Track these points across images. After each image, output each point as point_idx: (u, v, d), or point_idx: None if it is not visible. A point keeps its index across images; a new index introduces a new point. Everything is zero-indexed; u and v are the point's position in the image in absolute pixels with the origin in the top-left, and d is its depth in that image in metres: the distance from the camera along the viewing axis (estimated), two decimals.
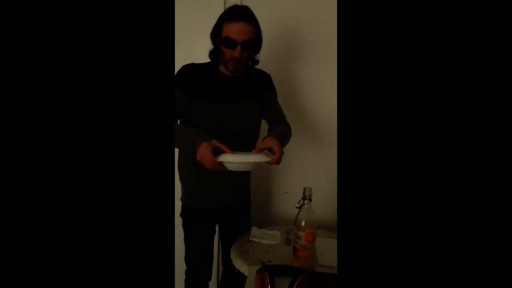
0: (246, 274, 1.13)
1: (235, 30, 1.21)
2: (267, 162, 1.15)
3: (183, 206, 1.47)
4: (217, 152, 1.14)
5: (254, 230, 1.46)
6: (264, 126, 1.45)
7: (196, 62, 1.35)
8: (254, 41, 1.27)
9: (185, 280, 1.52)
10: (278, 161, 1.16)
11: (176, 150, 1.44)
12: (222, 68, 1.33)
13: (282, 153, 1.17)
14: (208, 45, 1.33)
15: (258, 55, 1.37)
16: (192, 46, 1.71)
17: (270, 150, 1.18)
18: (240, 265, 1.22)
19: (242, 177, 1.42)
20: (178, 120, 1.36)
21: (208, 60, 1.36)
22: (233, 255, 1.30)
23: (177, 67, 1.28)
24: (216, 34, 1.27)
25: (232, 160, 1.12)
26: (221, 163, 1.12)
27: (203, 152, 1.11)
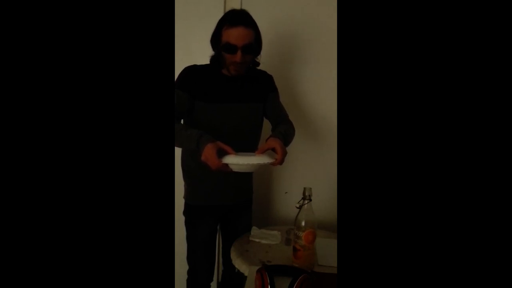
0: (246, 274, 1.13)
1: (234, 35, 1.22)
2: (271, 163, 1.16)
3: (185, 204, 1.48)
4: (221, 153, 1.15)
5: (254, 230, 1.46)
6: (267, 126, 1.46)
7: (195, 63, 1.35)
8: (254, 45, 1.28)
9: (187, 280, 1.52)
10: (281, 162, 1.18)
11: (179, 149, 1.44)
12: (224, 71, 1.34)
13: (285, 153, 1.19)
14: (208, 47, 1.33)
15: (258, 56, 1.38)
16: (192, 47, 1.71)
17: (273, 150, 1.20)
18: (240, 265, 1.23)
19: (244, 177, 1.43)
20: (182, 120, 1.38)
21: (208, 62, 1.37)
22: (233, 255, 1.30)
23: (177, 69, 1.28)
24: (216, 39, 1.29)
25: (237, 162, 1.14)
26: (225, 164, 1.14)
27: (208, 153, 1.13)
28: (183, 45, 1.66)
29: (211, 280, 1.53)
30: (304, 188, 1.12)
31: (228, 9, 1.45)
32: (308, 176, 1.79)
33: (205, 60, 1.36)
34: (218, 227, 1.56)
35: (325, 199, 1.65)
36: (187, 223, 1.47)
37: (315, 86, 1.76)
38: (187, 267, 1.51)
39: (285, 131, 1.29)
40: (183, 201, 1.48)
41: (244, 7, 1.32)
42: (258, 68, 1.43)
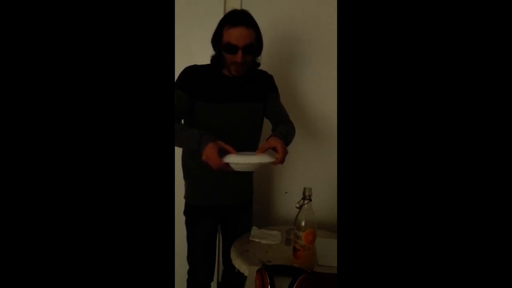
0: (246, 274, 1.13)
1: (235, 35, 1.22)
2: (272, 162, 1.17)
3: (185, 204, 1.48)
4: (222, 152, 1.15)
5: (254, 230, 1.46)
6: (267, 126, 1.46)
7: (195, 63, 1.35)
8: (255, 45, 1.28)
9: (187, 280, 1.53)
10: (282, 161, 1.19)
11: (180, 148, 1.44)
12: (224, 71, 1.34)
13: (286, 153, 1.20)
14: (208, 48, 1.33)
15: (259, 57, 1.38)
16: (192, 47, 1.71)
17: (274, 149, 1.20)
18: (240, 265, 1.23)
19: (244, 176, 1.43)
20: (182, 120, 1.38)
21: (209, 62, 1.37)
22: (233, 255, 1.30)
23: (177, 69, 1.28)
24: (217, 39, 1.29)
25: (238, 161, 1.14)
26: (226, 163, 1.14)
27: (209, 152, 1.13)
28: (183, 45, 1.66)
29: (211, 280, 1.53)
30: (304, 188, 1.12)
31: (228, 9, 1.45)
32: (308, 176, 1.79)
33: (205, 60, 1.36)
34: (218, 227, 1.56)
35: (325, 199, 1.65)
36: (187, 223, 1.47)
37: (315, 86, 1.76)
38: (187, 267, 1.51)
39: (285, 131, 1.29)
40: (183, 201, 1.48)
41: (244, 7, 1.32)
42: (259, 68, 1.43)
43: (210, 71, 1.34)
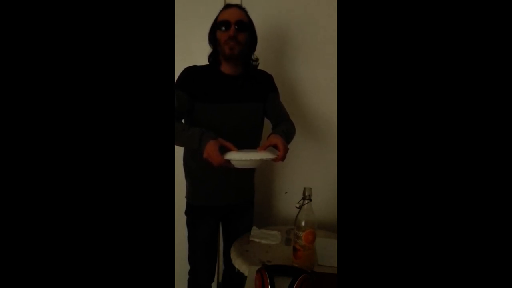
0: (246, 274, 1.13)
1: (227, 13, 1.29)
2: (273, 159, 1.17)
3: (187, 203, 1.48)
4: (223, 150, 1.16)
5: (254, 230, 1.46)
6: (267, 125, 1.46)
7: (195, 63, 1.36)
8: (248, 24, 1.31)
9: (188, 280, 1.52)
10: (283, 158, 1.20)
11: (181, 148, 1.45)
12: (223, 68, 1.35)
13: (287, 150, 1.20)
14: (208, 48, 1.34)
15: (258, 56, 1.38)
16: (192, 47, 1.71)
17: (275, 147, 1.20)
18: (240, 265, 1.23)
19: (245, 176, 1.43)
20: (183, 120, 1.38)
21: (207, 62, 1.38)
22: (233, 255, 1.30)
23: (177, 69, 1.28)
24: (213, 32, 1.32)
25: (239, 157, 1.15)
26: (227, 160, 1.14)
27: (210, 150, 1.13)
28: (183, 45, 1.66)
29: (212, 280, 1.53)
30: (304, 188, 1.12)
31: None
32: (308, 176, 1.79)
33: (205, 60, 1.37)
34: (219, 227, 1.56)
35: (325, 199, 1.65)
36: (189, 223, 1.48)
37: (315, 86, 1.76)
38: (187, 267, 1.51)
39: (286, 129, 1.30)
40: (184, 200, 1.48)
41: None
42: (258, 68, 1.43)
43: (210, 71, 1.34)
